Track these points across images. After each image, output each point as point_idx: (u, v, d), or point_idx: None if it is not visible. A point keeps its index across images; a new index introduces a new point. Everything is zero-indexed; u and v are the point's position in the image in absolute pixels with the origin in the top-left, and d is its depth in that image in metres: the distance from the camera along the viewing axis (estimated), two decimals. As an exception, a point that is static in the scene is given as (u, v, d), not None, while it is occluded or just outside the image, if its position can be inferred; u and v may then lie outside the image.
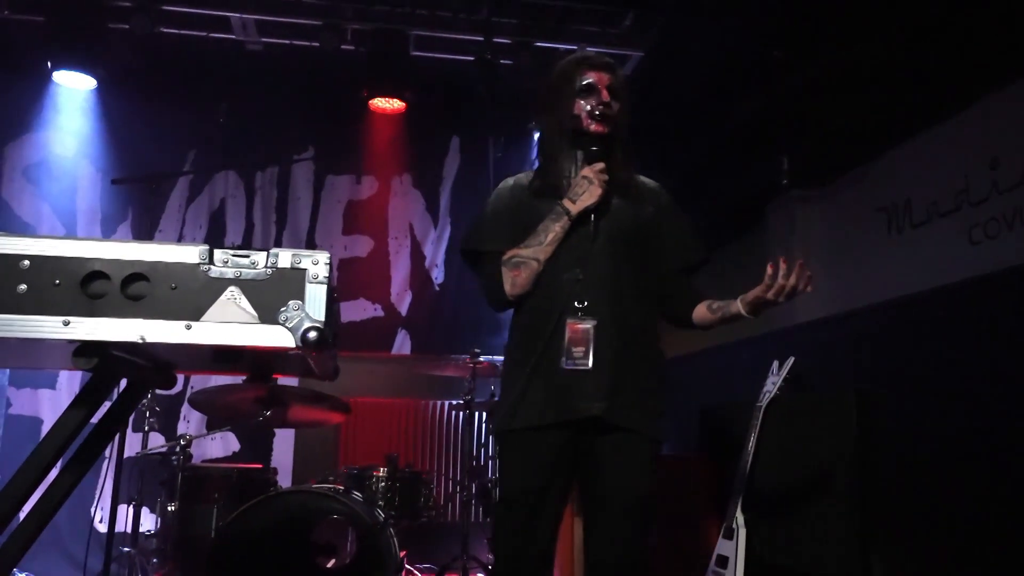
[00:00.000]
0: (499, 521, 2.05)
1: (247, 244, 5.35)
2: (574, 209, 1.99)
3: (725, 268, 5.53)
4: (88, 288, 1.16)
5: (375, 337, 5.40)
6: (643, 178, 2.18)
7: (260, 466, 3.48)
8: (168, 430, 4.91)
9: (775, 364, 3.34)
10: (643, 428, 1.97)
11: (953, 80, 4.10)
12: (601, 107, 2.02)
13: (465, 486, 3.70)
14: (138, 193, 4.87)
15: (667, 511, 3.34)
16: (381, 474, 3.36)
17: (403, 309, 5.48)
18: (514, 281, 2.01)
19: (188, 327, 1.16)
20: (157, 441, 4.18)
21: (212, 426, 4.62)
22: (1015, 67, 3.86)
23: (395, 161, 5.56)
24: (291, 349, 1.18)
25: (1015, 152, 3.95)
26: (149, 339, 1.15)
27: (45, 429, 5.04)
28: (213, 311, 1.17)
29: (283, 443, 5.02)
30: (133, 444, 3.83)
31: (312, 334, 1.18)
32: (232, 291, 1.18)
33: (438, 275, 5.55)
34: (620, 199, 2.07)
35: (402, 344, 5.40)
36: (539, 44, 4.93)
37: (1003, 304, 2.54)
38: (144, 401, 3.48)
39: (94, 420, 1.44)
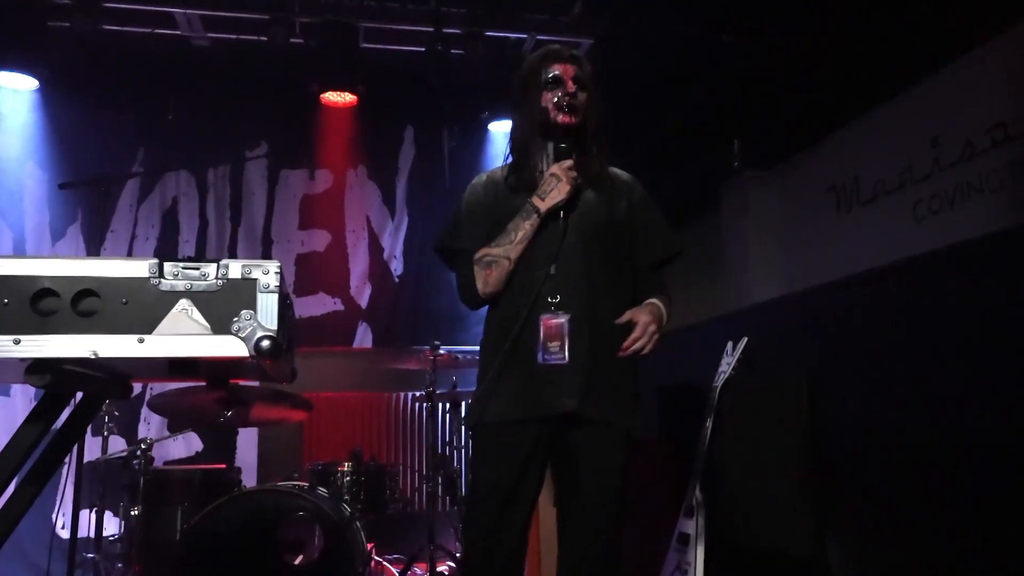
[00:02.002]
0: (470, 514, 2.06)
1: (202, 242, 5.29)
2: (543, 207, 2.00)
3: (683, 252, 5.61)
4: (38, 306, 1.16)
5: (336, 331, 5.39)
6: (616, 170, 2.19)
7: (224, 466, 3.48)
8: (129, 433, 4.86)
9: (729, 345, 3.42)
10: (617, 421, 2.00)
11: (894, 61, 4.20)
12: (568, 98, 2.04)
13: (430, 477, 3.73)
14: (87, 194, 4.78)
15: (628, 492, 3.42)
16: (346, 469, 3.38)
17: (363, 302, 5.47)
18: (486, 280, 2.03)
19: (141, 340, 1.17)
20: (117, 445, 4.15)
21: (173, 428, 4.58)
22: (951, 48, 3.97)
23: (349, 153, 5.53)
24: (245, 358, 1.19)
25: (954, 130, 4.07)
26: (102, 354, 1.16)
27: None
28: (165, 324, 1.19)
29: (246, 442, 5.00)
30: (93, 449, 3.79)
31: (265, 343, 1.19)
32: (183, 303, 1.19)
33: (397, 267, 5.55)
34: (593, 192, 2.09)
35: (363, 337, 5.40)
36: (490, 34, 4.94)
37: (948, 281, 2.63)
38: (105, 406, 3.44)
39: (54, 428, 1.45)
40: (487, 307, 2.12)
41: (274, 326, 1.21)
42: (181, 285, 1.20)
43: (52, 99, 4.78)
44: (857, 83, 4.50)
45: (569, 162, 2.03)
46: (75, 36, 4.44)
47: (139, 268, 1.20)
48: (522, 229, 2.01)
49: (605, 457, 1.98)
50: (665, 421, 4.15)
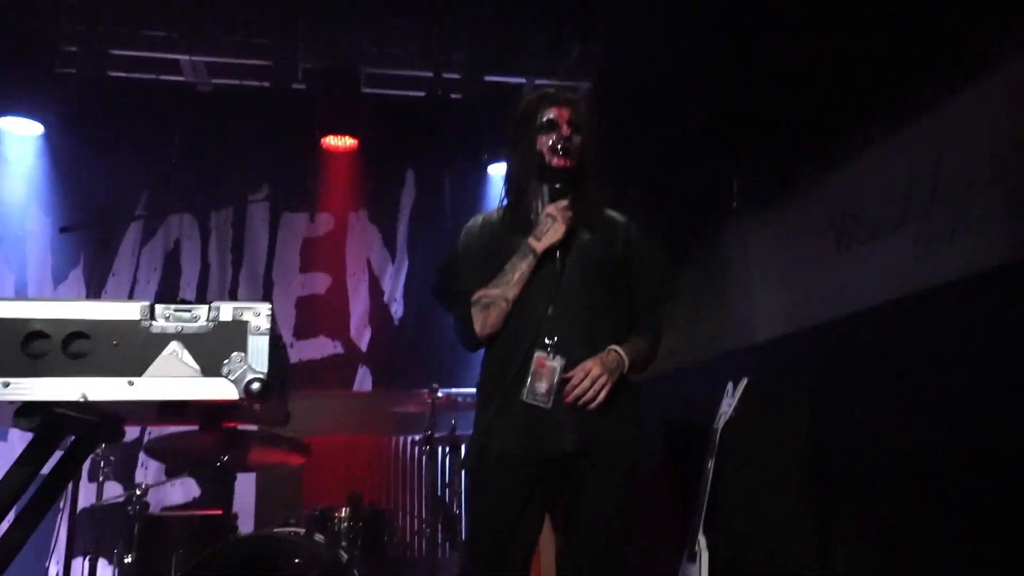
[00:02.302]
0: (470, 555, 2.11)
1: (203, 285, 5.31)
2: (539, 247, 2.02)
3: (683, 291, 5.61)
4: (28, 348, 1.16)
5: (336, 374, 5.38)
6: (612, 212, 2.21)
7: (220, 512, 3.43)
8: (126, 479, 4.80)
9: (729, 386, 3.40)
10: (617, 456, 2.00)
11: (893, 96, 4.24)
12: (562, 141, 2.07)
13: (430, 522, 3.69)
14: (89, 237, 4.81)
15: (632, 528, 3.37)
16: (343, 514, 3.32)
17: (363, 345, 5.46)
18: (484, 321, 2.05)
19: (131, 383, 1.17)
20: (114, 491, 4.10)
21: (171, 473, 4.54)
22: (948, 88, 4.01)
23: (351, 197, 5.57)
24: (235, 400, 1.19)
25: (952, 168, 4.08)
26: (91, 397, 1.16)
27: (-3, 482, 4.90)
28: (155, 366, 1.18)
29: (245, 487, 4.94)
30: (89, 494, 3.75)
31: (255, 385, 1.19)
32: (174, 345, 1.19)
33: (397, 309, 5.54)
34: (589, 233, 2.10)
35: (363, 380, 5.38)
36: (489, 78, 5.01)
37: (946, 317, 2.64)
38: (99, 450, 3.41)
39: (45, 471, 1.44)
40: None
41: (264, 368, 1.20)
42: (172, 327, 1.20)
43: (57, 144, 4.84)
44: (856, 120, 4.54)
45: (564, 202, 2.05)
46: (81, 82, 4.51)
47: (130, 310, 1.20)
48: (519, 270, 2.02)
49: (606, 492, 1.98)
50: (669, 460, 4.11)
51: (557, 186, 2.07)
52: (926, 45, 3.79)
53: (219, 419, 1.54)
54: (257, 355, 1.21)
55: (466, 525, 2.11)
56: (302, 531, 3.06)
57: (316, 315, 5.45)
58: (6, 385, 1.14)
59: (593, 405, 1.96)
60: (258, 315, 1.23)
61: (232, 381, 1.19)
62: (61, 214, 4.92)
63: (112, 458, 3.61)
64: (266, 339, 1.22)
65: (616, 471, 2.00)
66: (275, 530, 3.04)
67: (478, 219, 2.24)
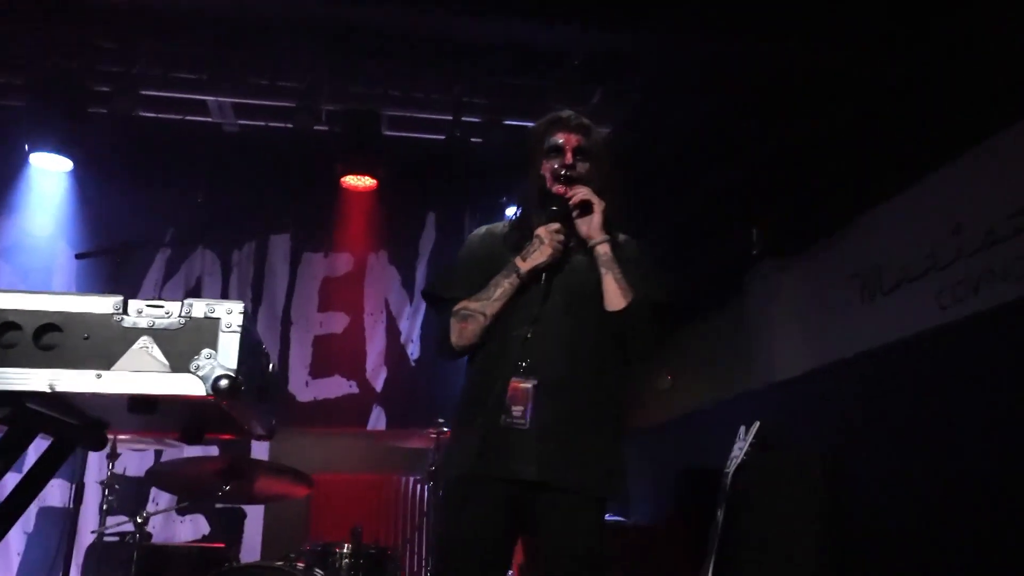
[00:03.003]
0: (440, 571, 2.06)
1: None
2: (523, 267, 2.01)
3: (708, 339, 5.55)
4: (1, 338, 1.16)
5: (350, 414, 5.37)
6: (620, 235, 2.16)
7: (222, 545, 3.40)
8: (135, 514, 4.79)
9: (741, 429, 3.33)
10: (585, 488, 1.94)
11: (916, 147, 4.21)
12: (564, 169, 2.06)
13: (430, 562, 3.61)
14: (112, 271, 4.89)
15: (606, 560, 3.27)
16: (345, 550, 3.28)
17: (378, 385, 5.45)
18: (461, 333, 2.03)
19: (98, 376, 1.17)
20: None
21: (181, 508, 4.53)
22: (970, 136, 3.97)
23: (371, 238, 5.63)
24: (202, 397, 1.18)
25: (976, 218, 4.02)
26: (59, 388, 1.15)
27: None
28: (124, 360, 1.18)
29: (253, 524, 4.92)
30: (93, 523, 3.74)
31: (223, 382, 1.18)
32: (144, 340, 1.19)
33: (413, 351, 5.54)
34: (586, 257, 2.06)
35: (377, 420, 5.36)
36: (509, 122, 5.07)
37: (968, 354, 2.54)
38: (105, 479, 3.41)
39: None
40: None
41: (234, 365, 1.19)
42: (144, 322, 1.20)
43: (85, 180, 4.96)
44: (879, 170, 4.51)
45: (556, 225, 2.04)
46: (111, 121, 4.63)
47: (103, 304, 1.20)
48: (501, 287, 2.01)
49: (572, 525, 1.92)
50: (682, 506, 4.01)
51: (553, 209, 2.05)
52: (948, 100, 3.78)
53: (201, 429, 1.51)
54: (227, 352, 1.20)
55: (437, 543, 2.06)
56: (301, 565, 3.01)
57: (333, 354, 5.47)
58: (-25, 374, 1.14)
59: (575, 199, 2.00)
60: (230, 312, 1.22)
61: (200, 377, 1.18)
62: (87, 248, 5.02)
63: (117, 487, 3.59)
64: (237, 337, 1.21)
65: (583, 502, 1.94)
66: (275, 563, 2.99)
67: (481, 230, 2.24)
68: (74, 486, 3.13)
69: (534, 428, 1.91)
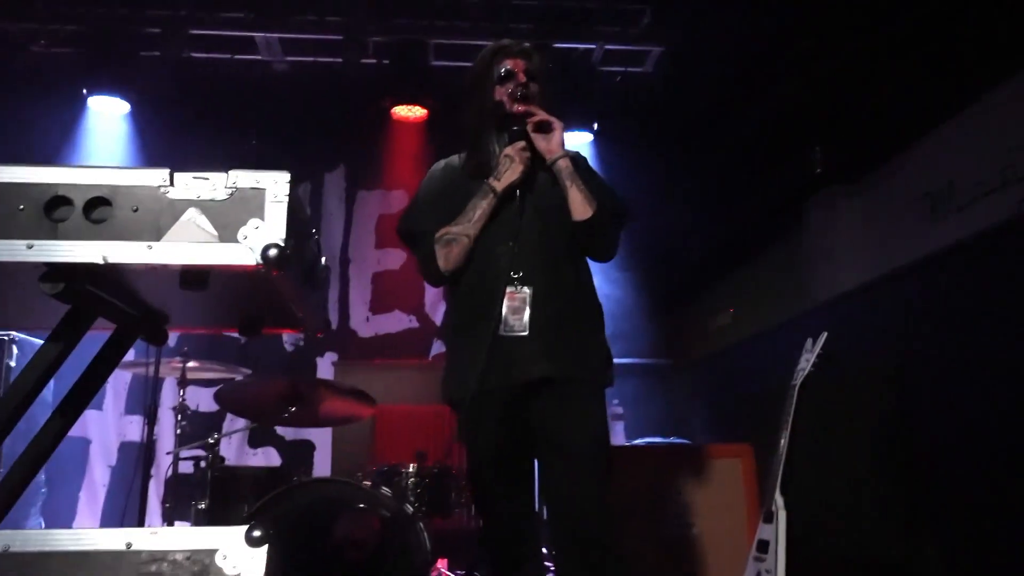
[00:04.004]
0: (472, 482, 2.18)
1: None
2: (499, 186, 2.11)
3: (769, 271, 5.41)
4: (52, 213, 1.17)
5: (410, 348, 5.42)
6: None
7: (288, 467, 3.48)
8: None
9: (808, 341, 3.23)
10: (588, 376, 2.09)
11: (986, 55, 3.97)
12: (520, 88, 2.17)
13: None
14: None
15: (708, 501, 3.24)
16: (410, 471, 3.33)
17: (437, 319, 5.49)
18: (447, 257, 2.13)
19: (149, 247, 1.16)
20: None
21: (252, 441, 4.67)
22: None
23: (423, 172, 5.57)
24: (252, 267, 1.17)
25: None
26: (111, 259, 1.15)
27: (93, 449, 5.15)
28: (173, 231, 1.17)
29: (322, 455, 5.05)
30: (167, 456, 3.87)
31: (273, 251, 1.17)
32: (192, 212, 1.18)
33: (471, 282, 5.54)
34: (546, 173, 2.18)
35: (438, 352, 5.40)
36: (558, 45, 4.95)
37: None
38: (177, 405, 3.52)
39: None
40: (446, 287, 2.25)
41: (282, 235, 1.18)
42: (191, 194, 1.19)
43: (141, 122, 5.05)
44: (947, 82, 4.27)
45: (522, 143, 2.14)
46: (164, 62, 4.69)
47: (151, 177, 1.19)
48: (480, 208, 2.11)
49: (581, 410, 2.06)
50: (745, 428, 3.95)
51: (515, 128, 2.15)
52: (1008, 15, 3.53)
53: (257, 321, 1.52)
54: (275, 222, 1.19)
55: (466, 453, 2.21)
56: (368, 484, 3.07)
57: (391, 290, 5.52)
58: (29, 247, 1.15)
59: (535, 119, 2.12)
60: (276, 183, 1.21)
61: (249, 247, 1.17)
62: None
63: (192, 418, 3.70)
64: (284, 206, 1.20)
65: (588, 389, 2.08)
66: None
67: (440, 163, 2.36)
68: (148, 408, 3.23)
69: (533, 332, 2.03)
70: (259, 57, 5.00)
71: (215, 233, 1.18)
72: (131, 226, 1.17)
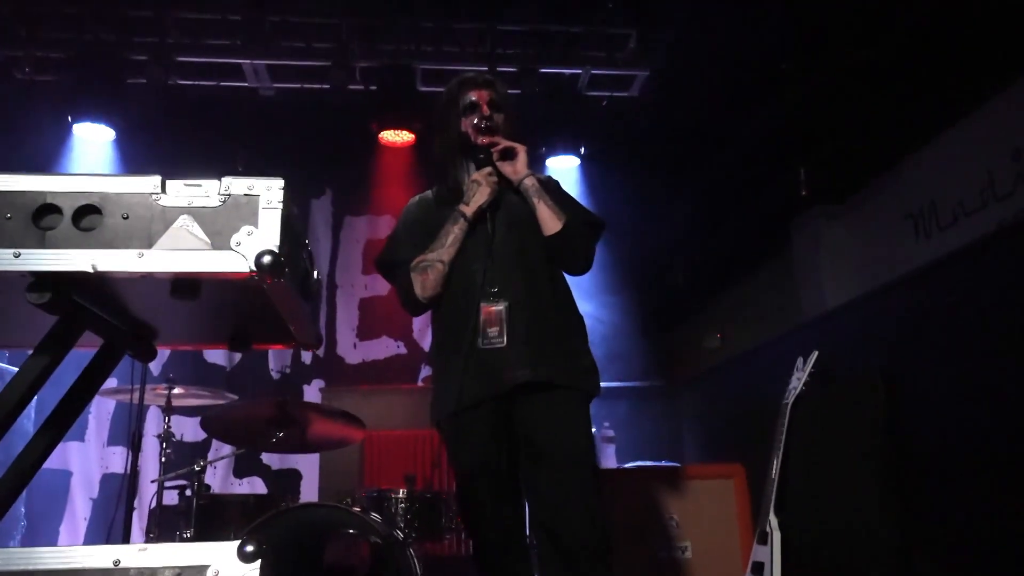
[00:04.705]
0: (461, 499, 2.18)
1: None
2: (468, 210, 2.17)
3: (757, 291, 5.43)
4: (40, 221, 1.14)
5: (398, 374, 5.37)
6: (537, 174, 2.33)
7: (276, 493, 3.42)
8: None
9: (799, 360, 3.23)
10: (570, 383, 2.11)
11: (966, 77, 4.03)
12: (484, 121, 2.23)
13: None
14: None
15: (700, 523, 3.21)
16: (400, 495, 3.28)
17: (425, 344, 5.45)
18: (423, 284, 2.17)
19: (140, 255, 1.14)
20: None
21: (237, 470, 4.59)
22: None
23: (410, 197, 5.58)
24: (245, 274, 1.14)
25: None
26: (101, 268, 1.13)
27: (74, 481, 5.04)
28: (165, 239, 1.15)
29: (309, 484, 4.97)
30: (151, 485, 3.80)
31: (267, 258, 1.14)
32: (184, 219, 1.16)
33: (459, 308, 5.51)
34: (515, 195, 2.24)
35: (426, 376, 5.36)
36: (545, 70, 4.99)
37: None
38: (161, 433, 3.46)
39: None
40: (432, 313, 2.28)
41: (276, 242, 1.16)
42: (182, 201, 1.17)
43: (127, 149, 5.02)
44: (927, 103, 4.33)
45: (488, 169, 2.20)
46: (150, 89, 4.67)
47: (142, 184, 1.18)
48: (452, 233, 2.16)
49: (565, 418, 2.08)
50: (737, 447, 3.93)
51: (481, 156, 2.21)
52: (997, 22, 3.60)
53: (248, 336, 1.49)
54: (268, 229, 1.17)
55: (454, 473, 2.23)
56: (357, 510, 3.02)
57: (379, 316, 5.48)
58: (17, 255, 1.12)
59: (499, 147, 2.19)
60: (270, 189, 1.19)
61: (242, 254, 1.15)
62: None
63: (177, 447, 3.63)
64: (278, 213, 1.18)
65: (571, 396, 2.10)
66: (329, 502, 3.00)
67: (415, 198, 2.40)
68: (132, 436, 3.16)
69: (511, 342, 2.07)
70: (246, 84, 5.00)
71: (207, 240, 1.16)
72: (121, 234, 1.15)
